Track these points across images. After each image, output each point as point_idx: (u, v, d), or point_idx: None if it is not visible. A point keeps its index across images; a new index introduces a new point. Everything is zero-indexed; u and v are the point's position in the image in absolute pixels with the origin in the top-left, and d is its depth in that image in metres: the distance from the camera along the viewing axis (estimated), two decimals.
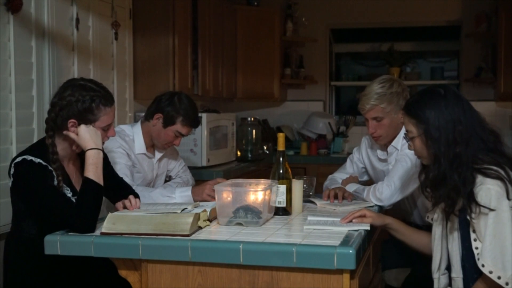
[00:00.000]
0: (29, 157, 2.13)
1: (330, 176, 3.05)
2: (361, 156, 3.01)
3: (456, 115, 1.96)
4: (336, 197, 2.68)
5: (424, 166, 2.08)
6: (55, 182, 2.15)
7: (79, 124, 2.18)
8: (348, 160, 3.08)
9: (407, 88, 2.78)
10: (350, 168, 3.04)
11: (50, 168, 2.15)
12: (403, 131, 2.71)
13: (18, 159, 2.14)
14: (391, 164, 2.79)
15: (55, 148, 2.18)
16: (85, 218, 2.04)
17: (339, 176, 3.00)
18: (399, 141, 2.75)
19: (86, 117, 2.18)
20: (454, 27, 5.54)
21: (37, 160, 2.13)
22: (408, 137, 2.07)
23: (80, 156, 2.33)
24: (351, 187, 2.80)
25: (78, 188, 2.25)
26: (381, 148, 2.86)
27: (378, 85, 2.70)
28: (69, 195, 2.21)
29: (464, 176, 1.90)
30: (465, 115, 1.96)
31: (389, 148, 2.81)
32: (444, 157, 1.93)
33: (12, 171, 2.15)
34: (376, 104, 2.68)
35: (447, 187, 1.92)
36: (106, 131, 2.27)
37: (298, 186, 2.45)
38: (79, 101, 2.16)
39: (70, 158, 2.31)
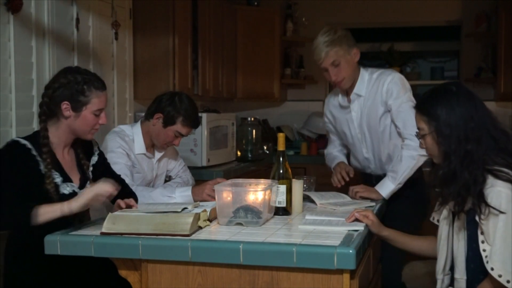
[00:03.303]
0: (18, 138, 2.21)
1: (326, 152, 3.24)
2: (327, 118, 3.16)
3: (467, 113, 1.94)
4: (344, 180, 2.92)
5: (434, 165, 2.06)
6: (41, 166, 2.18)
7: (72, 108, 2.24)
8: (328, 132, 3.26)
9: (349, 32, 2.92)
10: (333, 136, 3.20)
11: (34, 152, 2.19)
12: (362, 75, 2.92)
13: (9, 140, 2.23)
14: (353, 111, 2.94)
15: (47, 133, 2.25)
16: (14, 220, 2.08)
17: (333, 150, 3.19)
18: (362, 87, 2.92)
19: (78, 99, 2.25)
20: (454, 27, 5.54)
21: (24, 141, 2.19)
22: (419, 135, 2.05)
23: (73, 146, 2.37)
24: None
25: (71, 176, 2.30)
26: (342, 93, 3.00)
27: (323, 35, 2.86)
28: (58, 180, 2.24)
29: (475, 174, 1.88)
30: (477, 113, 1.95)
31: (352, 96, 2.94)
32: (455, 155, 1.92)
33: None
34: (328, 50, 2.82)
35: (457, 185, 1.90)
36: (97, 117, 2.31)
37: (298, 186, 2.45)
38: (72, 82, 2.25)
39: (65, 146, 2.33)
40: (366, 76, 2.93)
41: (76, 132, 2.31)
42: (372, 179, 3.02)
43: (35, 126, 2.90)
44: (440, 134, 1.96)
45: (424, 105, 2.03)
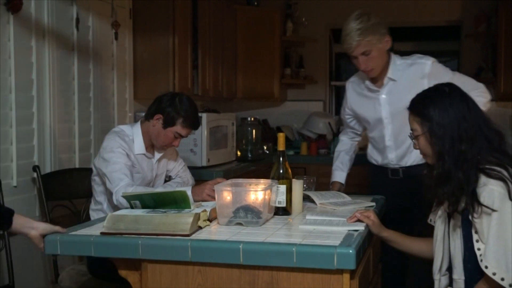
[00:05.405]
0: None
1: (336, 149, 3.20)
2: (347, 107, 3.07)
3: (460, 113, 1.95)
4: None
5: (429, 166, 2.07)
6: None
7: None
8: (343, 122, 3.21)
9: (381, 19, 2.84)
10: (346, 124, 3.15)
11: None
12: (394, 60, 2.82)
13: None
14: (383, 94, 2.86)
15: None
16: None
17: (341, 147, 3.16)
18: (396, 72, 2.82)
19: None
20: (454, 27, 5.54)
21: None
22: (413, 136, 2.07)
23: None
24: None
25: None
26: (370, 80, 2.91)
27: (355, 21, 2.74)
28: None
29: (468, 174, 1.90)
30: (470, 114, 1.96)
31: (385, 80, 2.86)
32: (449, 155, 1.93)
33: None
34: (361, 39, 2.71)
35: (451, 185, 1.91)
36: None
37: (298, 186, 2.45)
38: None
39: None
40: (397, 61, 2.85)
41: None
42: (387, 172, 2.98)
43: (35, 126, 2.90)
44: (434, 134, 1.97)
45: (417, 106, 2.04)
